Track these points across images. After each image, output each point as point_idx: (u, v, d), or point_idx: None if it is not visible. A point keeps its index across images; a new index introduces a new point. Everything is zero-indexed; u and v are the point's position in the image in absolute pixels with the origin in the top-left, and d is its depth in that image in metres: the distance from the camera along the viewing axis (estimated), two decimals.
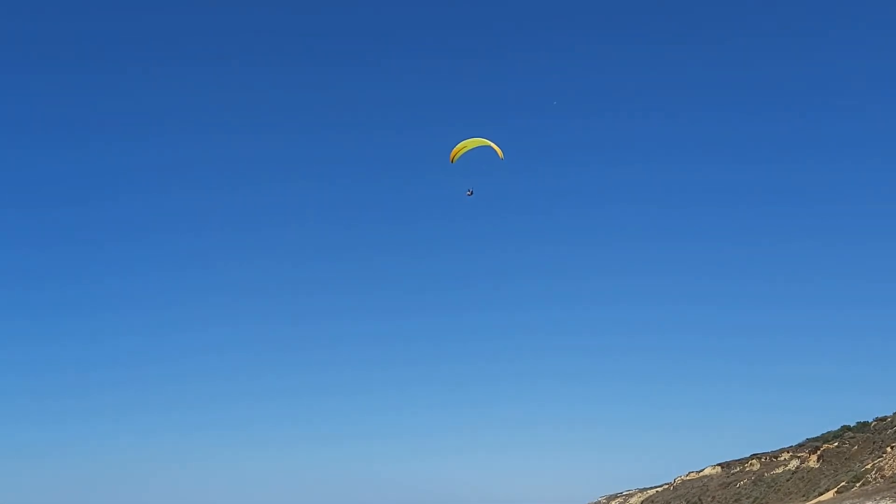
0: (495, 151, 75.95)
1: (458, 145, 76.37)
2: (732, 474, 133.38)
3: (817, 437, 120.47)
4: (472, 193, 77.78)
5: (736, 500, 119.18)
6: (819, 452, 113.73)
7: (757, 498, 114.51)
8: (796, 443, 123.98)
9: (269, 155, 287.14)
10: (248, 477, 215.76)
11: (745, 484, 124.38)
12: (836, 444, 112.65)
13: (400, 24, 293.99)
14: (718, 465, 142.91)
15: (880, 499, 78.07)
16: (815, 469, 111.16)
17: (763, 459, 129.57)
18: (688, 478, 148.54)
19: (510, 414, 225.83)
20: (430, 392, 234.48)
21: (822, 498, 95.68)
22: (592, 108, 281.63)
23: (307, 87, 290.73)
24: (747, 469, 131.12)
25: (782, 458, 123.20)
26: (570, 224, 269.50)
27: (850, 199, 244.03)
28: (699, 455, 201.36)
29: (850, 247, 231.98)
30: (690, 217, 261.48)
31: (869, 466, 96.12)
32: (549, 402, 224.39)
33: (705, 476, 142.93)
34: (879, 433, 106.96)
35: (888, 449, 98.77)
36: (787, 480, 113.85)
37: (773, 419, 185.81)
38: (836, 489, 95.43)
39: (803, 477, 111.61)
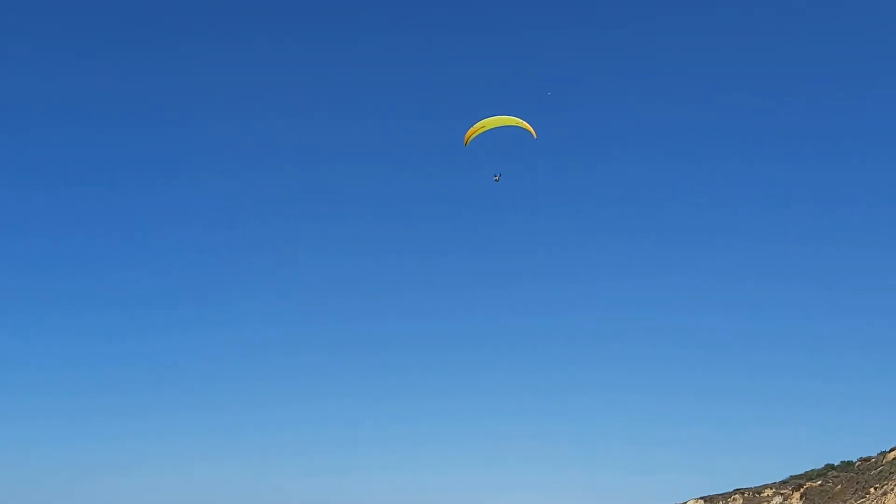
0: (526, 131, 66.84)
1: (476, 125, 67.60)
2: None
3: (801, 474, 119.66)
4: (499, 179, 70.13)
5: None
6: (802, 490, 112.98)
7: None
8: (780, 479, 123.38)
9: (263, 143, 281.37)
10: (226, 483, 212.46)
11: None
12: (819, 482, 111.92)
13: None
14: (701, 498, 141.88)
15: None
16: None
17: (746, 495, 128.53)
18: None
19: (468, 429, 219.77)
20: (422, 398, 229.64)
21: None
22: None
23: (300, 69, 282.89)
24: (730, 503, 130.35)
25: (765, 495, 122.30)
26: (567, 225, 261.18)
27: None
28: (681, 487, 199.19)
29: (832, 286, 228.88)
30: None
31: None
32: (518, 420, 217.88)
33: None
34: (863, 473, 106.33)
35: (871, 490, 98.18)
36: None
37: (758, 454, 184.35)
38: None
39: None
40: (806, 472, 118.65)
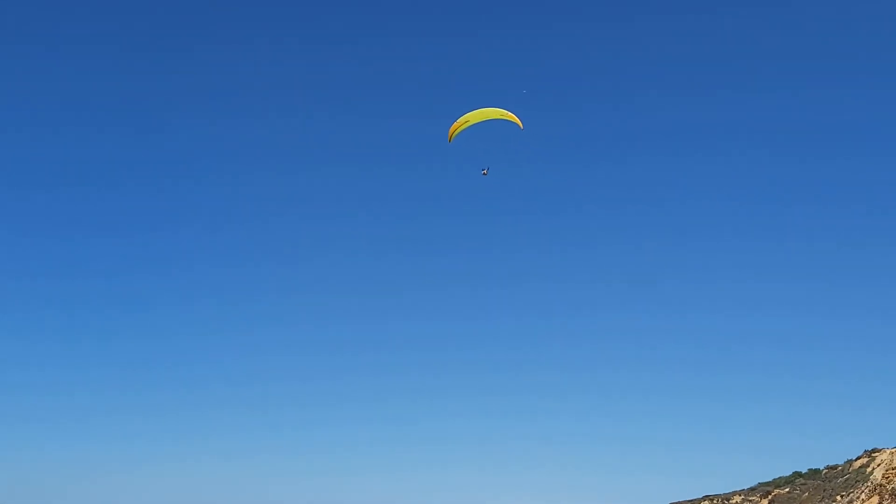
0: (513, 123, 64.87)
1: (459, 119, 65.46)
2: None
3: (769, 481, 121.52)
4: (487, 173, 68.58)
5: None
6: (770, 497, 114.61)
7: None
8: (748, 486, 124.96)
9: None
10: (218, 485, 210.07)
11: None
12: (787, 489, 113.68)
13: None
14: None
15: None
16: None
17: (715, 501, 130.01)
18: None
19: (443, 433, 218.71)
20: (419, 399, 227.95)
21: None
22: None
23: (301, 68, 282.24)
24: None
25: (734, 501, 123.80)
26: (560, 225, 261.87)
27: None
28: (650, 494, 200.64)
29: (815, 288, 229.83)
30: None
31: None
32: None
33: None
34: (830, 481, 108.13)
35: (838, 497, 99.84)
36: None
37: (727, 461, 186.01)
38: None
39: None
40: (774, 479, 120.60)
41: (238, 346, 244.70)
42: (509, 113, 64.76)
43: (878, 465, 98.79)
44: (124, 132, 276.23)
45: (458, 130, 65.69)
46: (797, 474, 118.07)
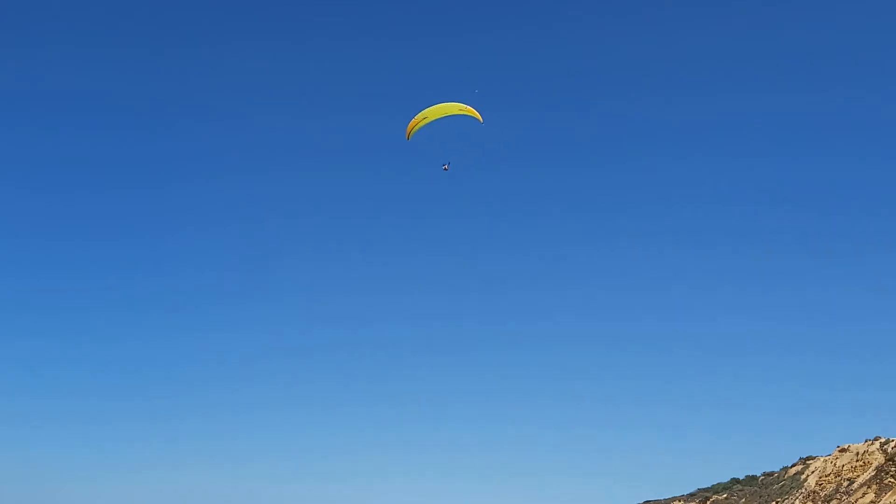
0: (473, 117, 62.71)
1: (417, 116, 63.07)
2: None
3: (707, 487, 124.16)
4: (448, 168, 67.44)
5: None
6: (709, 503, 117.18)
7: None
8: (688, 492, 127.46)
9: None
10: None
11: None
12: (724, 495, 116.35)
13: None
14: None
15: None
16: None
17: None
18: None
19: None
20: (418, 401, 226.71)
21: None
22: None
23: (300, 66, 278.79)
24: None
25: None
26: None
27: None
28: (590, 500, 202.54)
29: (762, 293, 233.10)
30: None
31: None
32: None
33: None
34: (766, 488, 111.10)
35: (773, 503, 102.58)
36: None
37: (666, 467, 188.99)
38: None
39: None
40: (712, 485, 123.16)
41: (237, 347, 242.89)
42: (468, 107, 63.60)
43: (812, 472, 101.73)
44: (124, 131, 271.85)
45: (417, 127, 64.23)
46: (735, 480, 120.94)
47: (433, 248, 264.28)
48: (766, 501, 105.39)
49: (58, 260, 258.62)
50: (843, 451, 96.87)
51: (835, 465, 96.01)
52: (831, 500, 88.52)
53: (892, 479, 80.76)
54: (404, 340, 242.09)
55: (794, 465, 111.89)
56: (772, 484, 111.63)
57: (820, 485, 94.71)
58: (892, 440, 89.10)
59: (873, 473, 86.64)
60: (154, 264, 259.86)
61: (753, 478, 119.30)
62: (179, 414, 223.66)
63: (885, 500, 78.67)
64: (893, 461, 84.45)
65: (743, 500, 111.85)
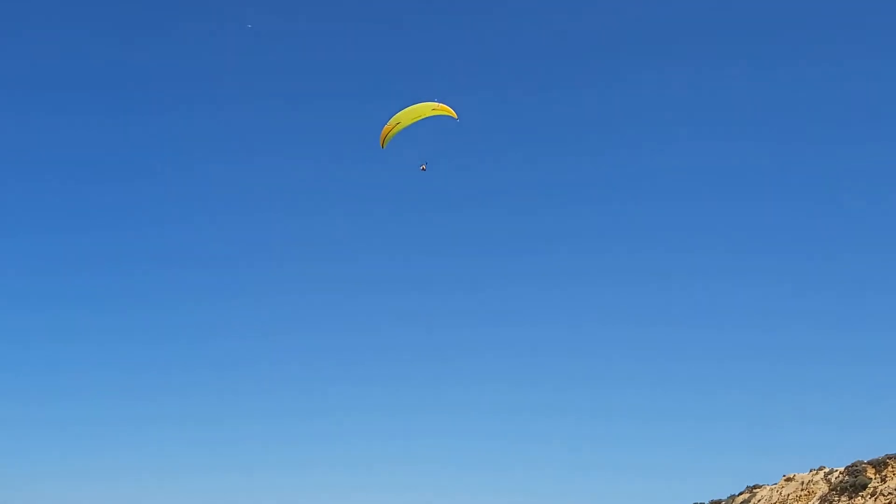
0: (448, 116, 61.09)
1: (390, 122, 61.40)
2: None
3: None
4: (425, 168, 65.48)
5: None
6: None
7: None
8: None
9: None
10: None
11: None
12: None
13: None
14: None
15: None
16: None
17: None
18: None
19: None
20: (415, 403, 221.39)
21: None
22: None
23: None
24: None
25: None
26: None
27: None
28: None
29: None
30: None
31: None
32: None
33: None
34: None
35: None
36: None
37: (610, 494, 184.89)
38: None
39: None
40: None
41: (237, 347, 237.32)
42: (442, 105, 61.73)
43: (759, 500, 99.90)
44: (123, 130, 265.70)
45: (391, 134, 62.56)
46: None
47: (434, 249, 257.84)
48: None
49: (50, 260, 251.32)
50: (788, 479, 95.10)
51: (780, 493, 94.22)
52: None
53: None
54: (404, 341, 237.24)
55: (741, 494, 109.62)
56: None
57: None
58: (836, 470, 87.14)
59: (817, 503, 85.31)
60: (150, 258, 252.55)
61: (717, 502, 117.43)
62: (180, 413, 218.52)
63: None
64: (837, 491, 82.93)
65: None
